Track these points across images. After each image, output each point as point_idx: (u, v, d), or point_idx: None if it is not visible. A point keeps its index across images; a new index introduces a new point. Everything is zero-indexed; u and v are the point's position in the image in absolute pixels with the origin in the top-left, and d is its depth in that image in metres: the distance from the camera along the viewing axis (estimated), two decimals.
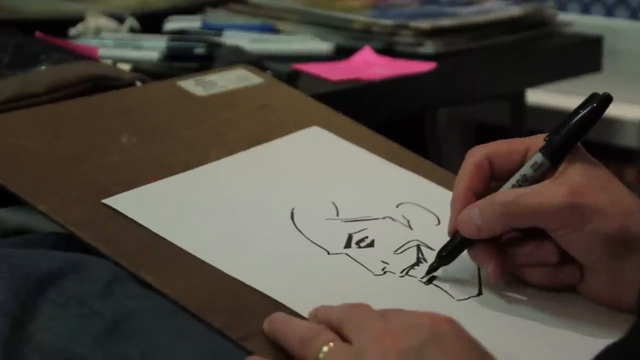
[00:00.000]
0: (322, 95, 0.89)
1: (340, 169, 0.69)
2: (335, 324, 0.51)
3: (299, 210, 0.63)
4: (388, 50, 1.07)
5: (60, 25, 1.08)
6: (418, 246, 0.61)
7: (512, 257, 0.58)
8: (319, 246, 0.60)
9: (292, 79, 0.93)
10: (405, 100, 1.03)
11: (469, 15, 1.14)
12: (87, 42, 1.02)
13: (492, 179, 0.59)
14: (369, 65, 1.04)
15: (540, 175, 0.57)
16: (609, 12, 1.38)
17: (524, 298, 0.58)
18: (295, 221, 0.62)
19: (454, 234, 0.59)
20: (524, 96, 1.27)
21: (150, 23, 1.13)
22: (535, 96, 1.33)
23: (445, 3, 1.22)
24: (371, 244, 0.61)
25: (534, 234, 0.58)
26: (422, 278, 0.59)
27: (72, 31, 1.08)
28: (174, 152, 0.67)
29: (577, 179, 0.56)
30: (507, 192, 0.57)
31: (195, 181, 0.64)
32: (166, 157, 0.66)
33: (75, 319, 0.54)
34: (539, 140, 0.58)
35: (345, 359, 0.49)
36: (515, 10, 1.16)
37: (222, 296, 0.55)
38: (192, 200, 0.62)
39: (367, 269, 0.58)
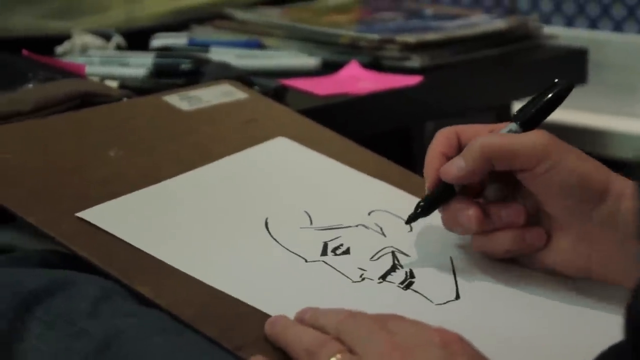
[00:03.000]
0: (310, 110, 0.89)
1: (309, 178, 0.70)
2: (333, 332, 0.51)
3: (272, 220, 0.63)
4: (374, 65, 1.08)
5: (47, 44, 1.08)
6: (393, 252, 0.62)
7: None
8: (296, 254, 0.60)
9: (280, 94, 0.93)
10: (392, 114, 1.04)
11: (454, 29, 1.15)
12: (74, 60, 1.02)
13: (460, 151, 0.62)
14: (356, 79, 1.04)
15: None
16: (593, 25, 1.39)
17: (501, 300, 0.58)
18: (270, 230, 0.62)
19: (432, 189, 0.61)
20: (509, 108, 1.27)
21: (136, 40, 1.14)
22: None
23: (430, 17, 1.23)
24: (347, 252, 0.61)
25: (505, 195, 0.61)
26: (406, 223, 0.61)
27: (59, 49, 1.08)
28: (161, 165, 0.67)
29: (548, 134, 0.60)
30: (487, 135, 0.60)
31: (169, 192, 0.64)
32: (153, 171, 0.66)
33: (64, 338, 0.54)
34: (502, 125, 0.62)
35: None
36: (500, 24, 1.17)
37: (215, 306, 0.55)
38: (166, 211, 0.62)
39: (346, 275, 0.59)
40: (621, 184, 0.58)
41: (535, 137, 0.59)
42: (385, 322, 0.51)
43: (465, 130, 0.62)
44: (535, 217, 0.60)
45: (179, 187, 0.65)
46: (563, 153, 0.58)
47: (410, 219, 0.62)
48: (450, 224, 0.61)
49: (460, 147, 0.62)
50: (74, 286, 0.56)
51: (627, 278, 0.57)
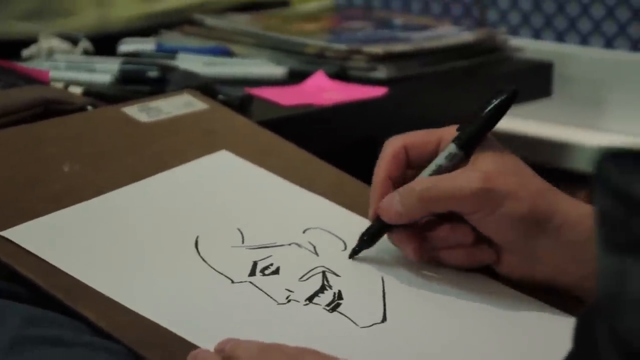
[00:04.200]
0: (274, 121, 0.89)
1: (248, 194, 0.69)
2: None
3: (203, 238, 0.62)
4: (341, 75, 1.08)
5: (13, 47, 1.08)
6: (324, 272, 0.61)
7: (431, 240, 0.62)
8: (223, 275, 0.59)
9: (245, 103, 0.94)
10: (357, 125, 1.04)
11: (421, 40, 1.15)
12: (39, 64, 1.02)
13: (408, 167, 0.63)
14: (322, 90, 1.04)
15: (454, 164, 0.61)
16: (560, 38, 1.40)
17: (429, 323, 0.59)
18: (199, 249, 0.61)
19: (375, 219, 0.62)
20: None
21: (105, 44, 1.14)
22: None
23: (399, 27, 1.23)
24: (276, 272, 0.60)
25: (451, 217, 0.61)
26: (349, 257, 0.62)
27: (25, 52, 1.08)
28: (117, 179, 0.67)
29: (488, 166, 0.60)
30: (425, 180, 0.61)
31: (98, 209, 0.63)
32: (108, 185, 0.66)
33: None
34: (451, 130, 0.62)
35: None
36: (467, 36, 1.18)
37: (157, 330, 0.54)
38: (94, 230, 0.61)
39: (271, 297, 0.58)
40: (566, 210, 0.59)
41: (472, 183, 0.59)
42: (297, 357, 0.51)
43: (413, 143, 0.62)
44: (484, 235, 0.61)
45: (112, 204, 0.64)
46: (500, 199, 0.59)
47: (354, 253, 0.62)
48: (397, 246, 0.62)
49: (409, 162, 0.62)
50: None
51: (579, 287, 0.60)
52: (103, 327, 0.54)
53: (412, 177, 0.62)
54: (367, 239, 0.62)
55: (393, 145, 0.63)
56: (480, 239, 0.61)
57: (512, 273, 0.61)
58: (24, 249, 0.58)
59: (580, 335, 0.43)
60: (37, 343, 0.53)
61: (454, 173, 0.60)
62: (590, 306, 0.44)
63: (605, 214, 0.34)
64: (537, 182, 0.60)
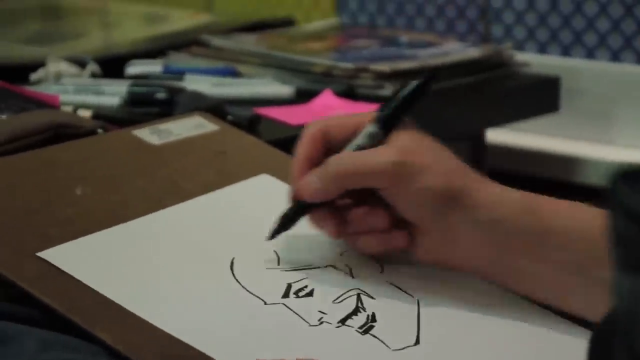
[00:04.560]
0: (282, 140, 0.89)
1: None
2: None
3: (239, 260, 0.62)
4: (348, 93, 1.09)
5: (21, 71, 1.09)
6: (358, 295, 0.61)
7: (349, 224, 0.62)
8: (256, 296, 0.59)
9: (254, 123, 0.94)
10: None
11: (428, 57, 1.16)
12: (47, 88, 1.02)
13: (330, 149, 0.63)
14: (330, 108, 1.05)
15: (373, 144, 0.62)
16: (566, 52, 1.40)
17: (462, 347, 0.58)
18: (234, 271, 0.61)
19: (295, 200, 0.62)
20: (483, 136, 1.29)
21: (112, 67, 1.14)
22: (495, 135, 1.35)
23: (405, 45, 1.24)
24: (310, 294, 0.60)
25: (367, 201, 0.62)
26: (268, 239, 0.62)
27: (33, 76, 1.09)
28: (128, 202, 0.67)
29: (405, 143, 0.60)
30: (340, 155, 0.61)
31: (136, 232, 0.64)
32: (120, 208, 0.66)
33: None
34: (369, 115, 0.63)
35: None
36: (473, 52, 1.18)
37: (174, 353, 0.54)
38: (131, 252, 0.62)
39: (303, 319, 0.58)
40: (482, 189, 0.60)
41: (387, 157, 0.59)
42: None
43: (332, 126, 0.63)
44: (402, 219, 0.62)
45: (148, 227, 0.65)
46: (415, 173, 0.59)
47: (273, 234, 0.63)
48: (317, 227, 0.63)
49: (330, 145, 0.62)
50: (12, 341, 0.55)
51: (491, 271, 0.61)
52: (120, 350, 0.54)
53: None
54: (286, 221, 0.63)
55: (311, 128, 0.63)
56: (396, 224, 0.61)
57: (427, 256, 0.61)
58: (39, 272, 0.58)
59: (596, 354, 0.43)
60: None
61: (369, 150, 0.61)
62: (604, 324, 0.44)
63: (619, 235, 0.34)
64: (454, 161, 0.61)
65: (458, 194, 0.59)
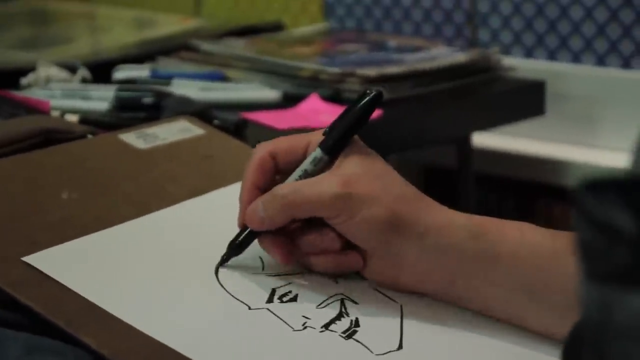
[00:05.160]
0: None
1: None
2: None
3: (224, 265, 0.63)
4: (335, 98, 1.09)
5: (11, 76, 1.09)
6: (342, 300, 0.61)
7: (300, 246, 0.62)
8: (241, 301, 0.60)
9: (240, 128, 0.95)
10: None
11: (415, 62, 1.16)
12: (35, 93, 1.03)
13: (277, 173, 0.62)
14: (316, 112, 1.05)
15: (319, 169, 0.61)
16: (552, 56, 1.41)
17: (445, 352, 0.59)
18: (219, 276, 0.62)
19: (242, 227, 0.62)
20: (470, 140, 1.29)
21: (102, 72, 1.15)
22: (482, 139, 1.35)
23: (393, 49, 1.24)
24: (294, 299, 0.61)
25: (317, 223, 0.61)
26: (218, 266, 0.62)
27: (23, 81, 1.09)
28: (115, 207, 0.68)
29: (350, 170, 0.60)
30: (286, 185, 0.61)
31: (122, 237, 0.64)
32: (106, 213, 0.67)
33: None
34: (319, 135, 0.62)
35: None
36: (460, 57, 1.19)
37: (159, 357, 0.55)
38: (117, 257, 0.62)
39: (287, 324, 0.58)
40: (431, 216, 0.59)
41: (329, 188, 0.59)
42: None
43: (280, 150, 0.62)
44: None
45: (133, 231, 0.65)
46: (360, 203, 0.58)
47: (222, 261, 0.62)
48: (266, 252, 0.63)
49: (277, 168, 0.62)
50: None
51: (444, 294, 0.60)
52: (105, 355, 0.54)
53: (281, 183, 0.62)
54: (235, 247, 0.62)
55: (258, 153, 0.62)
56: (349, 245, 0.61)
57: (377, 278, 0.61)
58: (25, 277, 0.58)
59: None
60: None
61: (315, 178, 0.60)
62: (573, 335, 0.45)
63: (586, 245, 0.35)
64: (401, 187, 0.60)
65: (404, 222, 0.59)
